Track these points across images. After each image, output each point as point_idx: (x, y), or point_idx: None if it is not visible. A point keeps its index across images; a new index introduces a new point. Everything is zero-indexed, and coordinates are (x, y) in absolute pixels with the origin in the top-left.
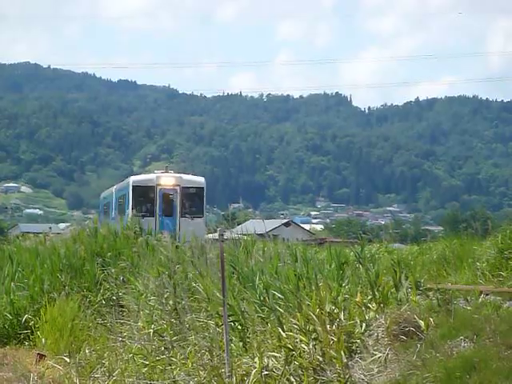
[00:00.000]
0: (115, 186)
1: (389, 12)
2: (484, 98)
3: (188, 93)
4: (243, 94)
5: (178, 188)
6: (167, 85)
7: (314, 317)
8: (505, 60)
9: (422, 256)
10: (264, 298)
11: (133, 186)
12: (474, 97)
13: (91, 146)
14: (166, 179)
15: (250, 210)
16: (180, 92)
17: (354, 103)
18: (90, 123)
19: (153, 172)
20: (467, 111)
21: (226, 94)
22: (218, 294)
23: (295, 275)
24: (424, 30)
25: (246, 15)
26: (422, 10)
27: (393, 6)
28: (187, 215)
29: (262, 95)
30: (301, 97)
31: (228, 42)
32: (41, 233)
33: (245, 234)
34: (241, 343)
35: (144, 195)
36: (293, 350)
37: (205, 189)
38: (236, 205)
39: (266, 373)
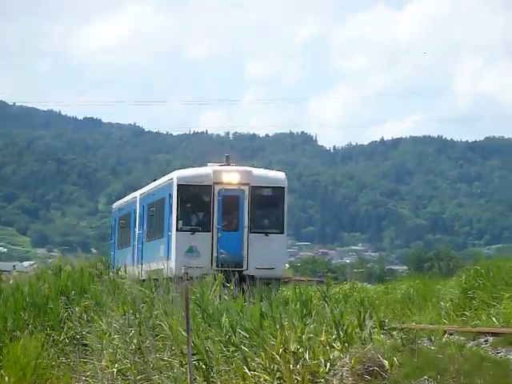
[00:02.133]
0: (140, 191)
1: (358, 51)
2: (449, 138)
3: (154, 131)
4: (209, 132)
5: (246, 188)
6: (133, 123)
7: (278, 357)
8: (469, 100)
9: (386, 295)
10: (230, 336)
11: (178, 186)
12: (438, 137)
13: (56, 184)
14: (229, 175)
15: None
16: (146, 130)
17: (320, 142)
18: (56, 161)
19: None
20: (432, 151)
21: (192, 132)
22: (183, 333)
23: (260, 314)
24: (392, 69)
25: (214, 53)
26: (392, 49)
27: (362, 46)
28: (260, 230)
29: (228, 133)
30: (267, 135)
31: (196, 80)
32: (5, 271)
33: None
34: (205, 383)
35: (195, 199)
36: None
37: (286, 190)
38: None
39: None
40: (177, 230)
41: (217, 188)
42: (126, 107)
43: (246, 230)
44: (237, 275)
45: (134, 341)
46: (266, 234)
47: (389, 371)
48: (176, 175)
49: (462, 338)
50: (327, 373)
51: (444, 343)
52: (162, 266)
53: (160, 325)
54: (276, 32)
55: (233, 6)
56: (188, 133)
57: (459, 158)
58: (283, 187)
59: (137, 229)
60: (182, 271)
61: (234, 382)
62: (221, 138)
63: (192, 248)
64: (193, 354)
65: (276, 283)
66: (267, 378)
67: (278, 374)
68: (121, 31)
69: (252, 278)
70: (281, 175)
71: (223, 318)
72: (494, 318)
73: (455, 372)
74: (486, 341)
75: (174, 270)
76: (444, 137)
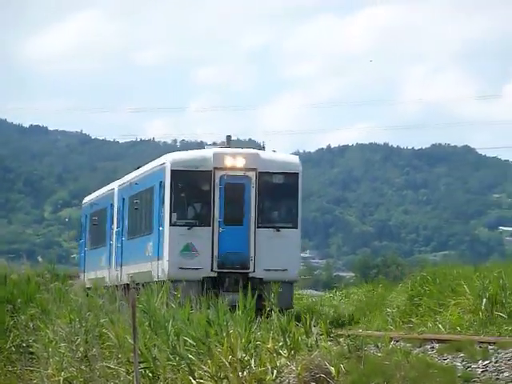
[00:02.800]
0: (118, 181)
1: (307, 59)
2: (395, 146)
3: (101, 138)
4: (156, 140)
5: (252, 174)
6: (80, 130)
7: (227, 363)
8: (416, 108)
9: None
10: (175, 345)
11: (172, 172)
12: (385, 144)
13: (2, 192)
14: (232, 159)
15: None
16: (93, 137)
17: (267, 149)
18: (1, 169)
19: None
20: (378, 158)
21: (139, 139)
22: (129, 340)
23: (207, 322)
24: (341, 77)
25: (163, 60)
26: (341, 56)
27: (311, 54)
28: (269, 224)
29: (175, 141)
30: (214, 143)
31: (144, 87)
32: None
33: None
34: None
35: (192, 188)
36: None
37: (301, 176)
38: None
39: None
40: (170, 224)
41: (218, 174)
42: (73, 115)
43: (252, 224)
44: (241, 279)
45: (81, 349)
46: (277, 228)
47: (335, 378)
48: (169, 159)
49: (408, 344)
50: (274, 380)
51: (390, 350)
52: (150, 268)
53: (106, 333)
54: (225, 39)
55: (182, 13)
56: (135, 140)
57: (405, 166)
58: (297, 173)
59: (114, 226)
60: (160, 273)
61: None
62: (168, 146)
63: (188, 246)
64: (139, 362)
65: (288, 288)
66: None
67: (224, 382)
68: (70, 39)
69: (260, 281)
70: (294, 159)
71: (169, 326)
72: (440, 325)
73: (402, 379)
74: (432, 347)
75: (166, 272)
76: (390, 144)
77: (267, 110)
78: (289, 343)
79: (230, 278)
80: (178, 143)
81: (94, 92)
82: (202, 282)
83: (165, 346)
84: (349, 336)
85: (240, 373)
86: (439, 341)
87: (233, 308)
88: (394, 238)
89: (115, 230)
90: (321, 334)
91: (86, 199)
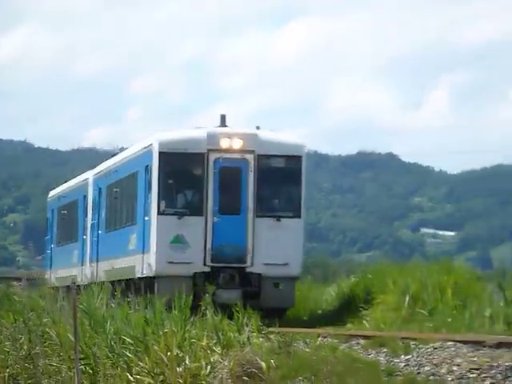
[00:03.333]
0: (93, 171)
1: (238, 70)
2: (324, 153)
3: (44, 146)
4: (97, 147)
5: (251, 157)
6: (24, 139)
7: (164, 359)
8: (343, 118)
9: None
10: (114, 343)
11: (161, 154)
12: (314, 152)
13: None
14: (228, 139)
15: None
16: (36, 146)
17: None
18: None
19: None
20: (308, 165)
21: (80, 147)
22: (71, 339)
23: (144, 321)
24: (270, 88)
25: (101, 71)
26: (271, 68)
27: (243, 65)
28: (269, 213)
29: (115, 148)
30: None
31: (83, 97)
32: None
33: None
34: None
35: (183, 172)
36: None
37: (304, 160)
38: None
39: None
40: (158, 213)
41: (212, 157)
42: (18, 124)
43: (250, 212)
44: (237, 275)
45: (24, 347)
46: (278, 218)
47: (266, 373)
48: (157, 140)
49: (335, 340)
50: (208, 375)
51: (318, 346)
52: (134, 263)
53: (49, 332)
54: (160, 51)
55: (119, 25)
56: (76, 148)
57: (333, 171)
58: (300, 156)
59: (89, 218)
60: (146, 269)
61: None
62: (108, 153)
63: (179, 237)
64: (80, 359)
65: (289, 285)
66: (151, 381)
67: (161, 377)
68: (10, 50)
69: (258, 277)
70: (297, 140)
71: (108, 326)
72: (365, 322)
73: (328, 372)
74: (358, 343)
75: (154, 267)
76: (319, 151)
77: (202, 120)
78: (222, 340)
79: (225, 274)
80: (117, 150)
81: (37, 102)
82: (194, 278)
83: (104, 345)
84: (279, 333)
85: (176, 369)
86: (364, 337)
87: (228, 308)
88: (323, 240)
89: (90, 222)
90: (252, 332)
91: (53, 192)
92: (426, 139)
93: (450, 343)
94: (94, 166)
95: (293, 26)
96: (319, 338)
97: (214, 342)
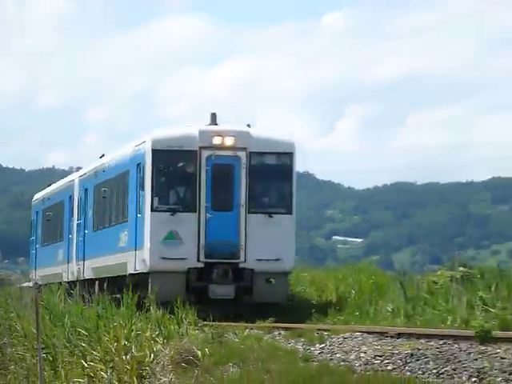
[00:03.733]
0: (79, 172)
1: (180, 101)
2: None
3: (10, 167)
4: (56, 168)
5: (242, 154)
6: None
7: (113, 349)
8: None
9: None
10: (70, 335)
11: (154, 152)
12: None
13: None
14: (220, 137)
15: None
16: (4, 166)
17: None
18: None
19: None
20: None
21: (42, 167)
22: (33, 331)
23: (96, 315)
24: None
25: (63, 103)
26: (207, 99)
27: (181, 96)
28: (261, 209)
29: (71, 168)
30: None
31: (46, 125)
32: None
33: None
34: (52, 371)
35: (175, 170)
36: (94, 377)
37: (295, 157)
38: None
39: None
40: (152, 209)
41: (204, 154)
42: None
43: (243, 209)
44: (230, 271)
45: None
46: (270, 214)
47: (201, 360)
48: (150, 137)
49: (260, 331)
50: (151, 362)
51: (245, 336)
52: (125, 260)
53: (15, 325)
54: (111, 86)
55: (75, 63)
56: (38, 168)
57: None
58: (291, 153)
59: (75, 218)
60: (139, 265)
61: (75, 371)
62: (65, 172)
63: (172, 233)
64: (42, 349)
65: (282, 280)
66: (103, 367)
67: (111, 364)
68: None
69: (251, 272)
70: (288, 138)
71: (65, 320)
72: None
73: (254, 359)
74: (280, 334)
75: (148, 263)
76: None
77: None
78: (163, 332)
79: (219, 270)
80: (73, 169)
81: (5, 128)
82: (187, 274)
83: (62, 336)
84: (212, 326)
85: (123, 357)
86: (285, 328)
87: (221, 303)
88: None
89: (76, 222)
90: (190, 325)
91: (37, 196)
92: (338, 160)
93: (357, 334)
94: (52, 182)
95: (227, 64)
96: (246, 330)
97: (157, 333)
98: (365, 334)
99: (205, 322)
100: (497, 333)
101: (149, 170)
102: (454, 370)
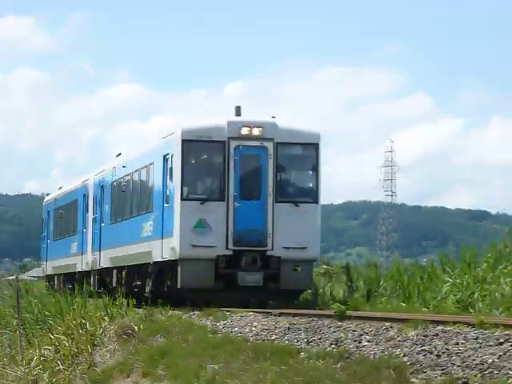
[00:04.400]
0: (93, 173)
1: (123, 143)
2: None
3: None
4: (32, 193)
5: (270, 145)
6: None
7: (73, 325)
8: None
9: None
10: (41, 315)
11: (184, 142)
12: None
13: None
14: (248, 128)
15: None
16: None
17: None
18: None
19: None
20: None
21: (20, 193)
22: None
23: (57, 301)
24: None
25: (38, 145)
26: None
27: (127, 140)
28: (288, 198)
29: (43, 194)
30: None
31: (24, 161)
32: None
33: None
34: (28, 342)
35: (204, 160)
36: (58, 346)
37: (320, 148)
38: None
39: (43, 358)
40: (181, 198)
41: (233, 144)
42: None
43: (270, 198)
44: (259, 258)
45: None
46: (296, 203)
47: (138, 333)
48: (180, 128)
49: (180, 312)
50: (101, 334)
51: (170, 315)
52: (149, 249)
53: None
54: (72, 132)
55: (45, 115)
56: (17, 193)
57: None
58: (317, 144)
59: (89, 214)
60: (167, 253)
61: (45, 341)
62: (39, 197)
63: (201, 222)
64: (21, 325)
65: (308, 267)
66: (65, 338)
67: (72, 336)
68: None
69: (278, 260)
70: (314, 129)
71: (38, 304)
72: None
73: (176, 332)
74: (194, 313)
75: (178, 251)
76: None
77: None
78: (109, 313)
79: (248, 257)
80: (44, 195)
81: None
82: (216, 261)
83: (34, 316)
84: (145, 308)
85: (80, 331)
86: (198, 310)
87: (250, 290)
88: None
89: (91, 217)
90: (128, 307)
91: (48, 198)
92: None
93: (250, 313)
94: (33, 206)
95: (157, 119)
96: (170, 311)
97: (104, 314)
98: (256, 314)
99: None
100: (350, 313)
101: (178, 160)
102: (320, 339)
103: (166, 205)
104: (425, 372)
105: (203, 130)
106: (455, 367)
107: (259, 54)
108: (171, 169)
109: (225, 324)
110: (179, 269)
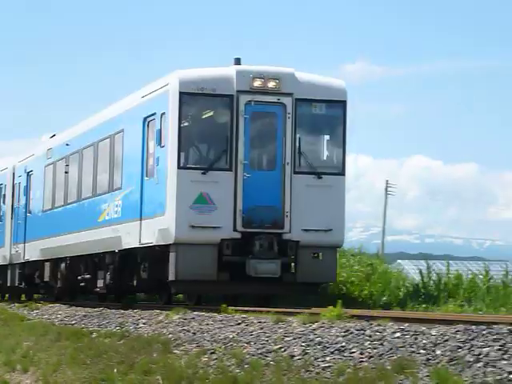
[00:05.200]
0: (18, 158)
1: None
2: None
3: None
4: None
5: (288, 101)
6: None
7: None
8: None
9: None
10: None
11: (182, 95)
12: None
13: None
14: (261, 79)
15: None
16: None
17: None
18: None
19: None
20: None
21: None
22: None
23: None
24: None
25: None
26: None
27: None
28: (309, 169)
29: None
30: None
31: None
32: None
33: None
34: None
35: (206, 119)
36: None
37: (347, 106)
38: None
39: None
40: (178, 167)
41: (243, 100)
42: None
43: (288, 168)
44: (275, 242)
45: None
46: (319, 175)
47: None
48: (176, 77)
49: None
50: None
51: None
52: (118, 234)
53: None
54: None
55: None
56: None
57: None
58: (344, 101)
59: (7, 204)
60: (174, 234)
61: None
62: None
63: (203, 196)
64: None
65: (331, 255)
66: None
67: None
68: None
69: (295, 245)
70: (340, 83)
71: None
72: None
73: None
74: (14, 305)
75: (173, 233)
76: None
77: None
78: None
79: (262, 241)
80: None
81: None
82: (220, 246)
83: None
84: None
85: None
86: (20, 302)
87: (263, 282)
88: None
89: (10, 207)
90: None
91: None
92: None
93: (57, 305)
94: None
95: None
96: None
97: None
98: (61, 305)
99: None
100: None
101: (174, 118)
102: (108, 322)
103: (146, 178)
104: (184, 345)
105: (206, 81)
106: (206, 341)
107: None
108: (159, 131)
109: (37, 312)
110: (173, 256)
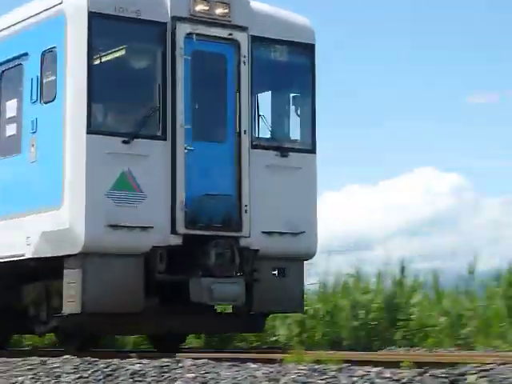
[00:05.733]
0: None
1: None
2: None
3: None
4: None
5: (243, 38)
6: None
7: None
8: None
9: None
10: None
11: (91, 15)
12: None
13: None
14: (206, 3)
15: None
16: None
17: None
18: None
19: None
20: None
21: None
22: None
23: None
24: None
25: None
26: None
27: None
28: (269, 143)
29: None
30: None
31: None
32: None
33: None
34: None
35: (129, 58)
36: None
37: (315, 51)
38: None
39: None
40: (88, 131)
41: (181, 30)
42: None
43: (245, 138)
44: (231, 251)
45: None
46: (283, 152)
47: None
48: None
49: None
50: None
51: None
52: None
53: None
54: None
55: None
56: None
57: None
58: (313, 45)
59: None
60: (83, 238)
61: None
62: None
63: (125, 178)
64: None
65: (298, 271)
66: None
67: None
68: None
69: (255, 254)
70: (305, 21)
71: None
72: None
73: None
74: None
75: (81, 237)
76: None
77: None
78: None
79: (218, 249)
80: None
81: None
82: (148, 257)
83: None
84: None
85: None
86: None
87: (212, 313)
88: None
89: None
90: None
91: None
92: None
93: None
94: None
95: None
96: None
97: None
98: None
99: None
100: None
101: (80, 53)
102: None
103: (32, 150)
104: None
105: (128, 1)
106: None
107: None
108: (54, 69)
109: None
110: (76, 274)
